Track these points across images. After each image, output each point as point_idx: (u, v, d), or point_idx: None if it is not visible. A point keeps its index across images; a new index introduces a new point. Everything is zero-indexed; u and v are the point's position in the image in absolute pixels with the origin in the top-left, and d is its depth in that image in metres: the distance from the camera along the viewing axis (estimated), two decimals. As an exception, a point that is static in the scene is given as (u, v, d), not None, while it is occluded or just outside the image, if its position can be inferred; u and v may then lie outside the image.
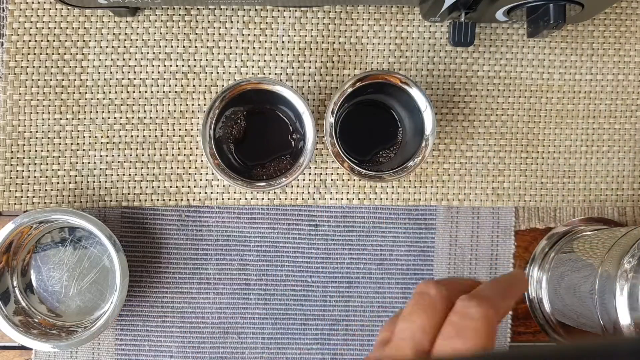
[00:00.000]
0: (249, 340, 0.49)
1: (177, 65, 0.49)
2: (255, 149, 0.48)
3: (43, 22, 0.49)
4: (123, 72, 0.49)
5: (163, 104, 0.49)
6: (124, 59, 0.49)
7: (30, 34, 0.48)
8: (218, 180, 0.49)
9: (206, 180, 0.49)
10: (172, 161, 0.49)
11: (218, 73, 0.49)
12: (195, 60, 0.49)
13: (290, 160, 0.48)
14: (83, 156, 0.49)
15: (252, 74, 0.49)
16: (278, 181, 0.44)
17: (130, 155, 0.49)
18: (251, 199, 0.50)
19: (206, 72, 0.49)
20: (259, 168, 0.48)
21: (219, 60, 0.49)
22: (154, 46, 0.49)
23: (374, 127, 0.49)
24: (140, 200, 0.49)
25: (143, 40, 0.49)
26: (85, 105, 0.49)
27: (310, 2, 0.47)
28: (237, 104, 0.47)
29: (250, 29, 0.49)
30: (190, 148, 0.49)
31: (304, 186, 0.50)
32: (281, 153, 0.48)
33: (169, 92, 0.49)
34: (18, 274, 0.48)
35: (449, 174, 0.50)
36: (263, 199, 0.50)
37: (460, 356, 0.26)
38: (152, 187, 0.49)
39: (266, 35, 0.49)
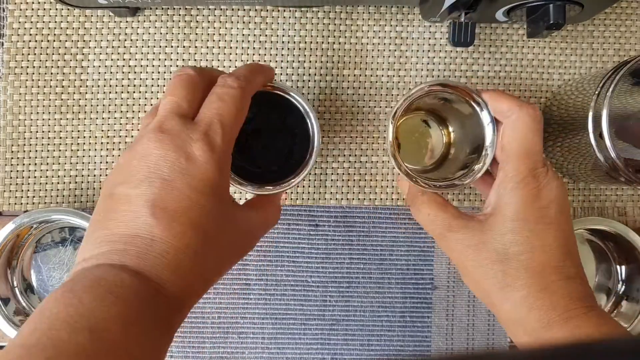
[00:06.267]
0: (249, 340, 0.50)
1: (177, 66, 0.49)
2: (260, 152, 0.47)
3: (43, 22, 0.49)
4: (123, 72, 0.49)
5: (163, 104, 0.49)
6: (124, 59, 0.49)
7: (30, 34, 0.49)
8: (218, 180, 0.49)
9: (206, 180, 0.49)
10: (172, 161, 0.49)
11: (218, 73, 0.49)
12: (195, 60, 0.49)
13: (295, 160, 0.46)
14: (83, 156, 0.49)
15: (252, 74, 0.49)
16: (286, 182, 0.43)
17: (131, 155, 0.49)
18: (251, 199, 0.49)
19: (206, 72, 0.49)
20: (264, 170, 0.46)
21: (219, 60, 0.49)
22: (154, 46, 0.49)
23: (427, 138, 0.49)
24: (140, 200, 0.49)
25: (143, 40, 0.49)
26: (86, 105, 0.49)
27: (310, 2, 0.47)
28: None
29: (250, 29, 0.49)
30: (191, 148, 0.49)
31: (304, 186, 0.50)
32: (286, 155, 0.47)
33: (169, 92, 0.49)
34: (18, 274, 0.48)
35: (449, 174, 0.50)
36: (263, 199, 0.50)
37: (458, 356, 0.26)
38: (152, 187, 0.49)
39: (266, 35, 0.49)
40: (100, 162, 0.49)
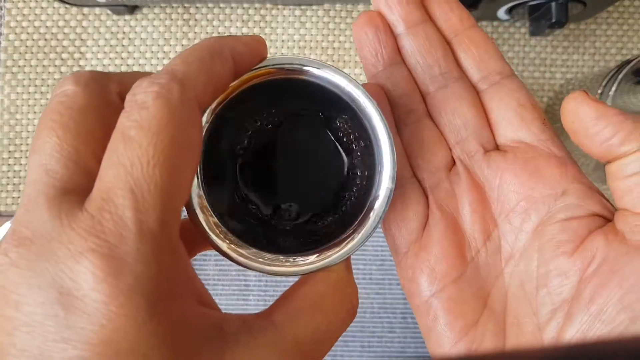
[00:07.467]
0: (247, 341, 0.49)
1: (175, 64, 0.49)
2: (285, 192, 0.27)
3: (41, 20, 0.48)
4: (121, 72, 0.49)
5: (161, 103, 0.49)
6: (122, 58, 0.49)
7: (27, 33, 0.48)
8: (217, 180, 0.49)
9: (205, 180, 0.49)
10: (171, 161, 0.49)
11: (217, 72, 0.49)
12: (193, 59, 0.49)
13: (337, 218, 0.27)
14: (81, 156, 0.49)
15: (251, 73, 0.49)
16: (350, 237, 0.24)
17: (129, 154, 0.49)
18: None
19: (205, 71, 0.49)
20: (296, 226, 0.27)
21: (217, 59, 0.49)
22: (152, 45, 0.49)
23: None
24: (138, 200, 0.49)
25: (141, 39, 0.49)
26: (83, 105, 0.49)
27: (309, 1, 0.47)
28: (243, 111, 0.26)
29: (249, 27, 0.49)
30: (189, 147, 0.49)
31: (303, 186, 0.49)
32: (318, 209, 0.27)
33: (168, 91, 0.49)
34: (15, 275, 0.48)
35: (450, 173, 0.50)
36: (262, 199, 0.49)
37: (455, 356, 0.26)
38: (151, 187, 0.49)
39: (265, 33, 0.49)
40: (98, 162, 0.49)
